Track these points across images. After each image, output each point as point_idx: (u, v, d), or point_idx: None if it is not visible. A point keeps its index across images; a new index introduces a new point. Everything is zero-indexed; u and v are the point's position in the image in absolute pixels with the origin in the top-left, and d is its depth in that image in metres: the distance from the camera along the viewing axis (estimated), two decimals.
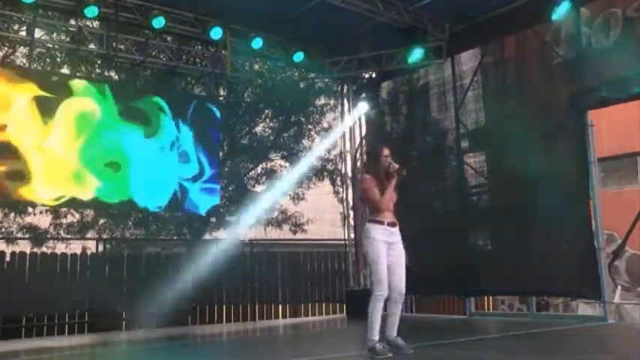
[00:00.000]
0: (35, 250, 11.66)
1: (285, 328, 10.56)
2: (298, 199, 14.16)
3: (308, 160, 13.23)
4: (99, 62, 11.44)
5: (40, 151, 8.99)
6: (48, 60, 11.70)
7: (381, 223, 5.42)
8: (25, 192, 8.92)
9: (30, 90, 9.00)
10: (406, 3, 9.00)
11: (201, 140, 10.49)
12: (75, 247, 11.80)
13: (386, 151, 5.57)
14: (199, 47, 10.76)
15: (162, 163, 10.05)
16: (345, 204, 11.96)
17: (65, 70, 11.71)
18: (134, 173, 9.73)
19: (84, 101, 9.45)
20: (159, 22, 9.07)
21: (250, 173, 14.16)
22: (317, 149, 13.59)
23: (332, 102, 13.93)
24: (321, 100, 14.26)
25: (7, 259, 9.67)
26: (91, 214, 13.18)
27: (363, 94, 11.24)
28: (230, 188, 13.58)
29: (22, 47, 10.99)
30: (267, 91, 12.87)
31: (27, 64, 10.15)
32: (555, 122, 8.26)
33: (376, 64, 10.46)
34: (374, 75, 11.25)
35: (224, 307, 11.29)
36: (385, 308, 5.37)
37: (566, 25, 8.13)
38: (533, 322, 8.78)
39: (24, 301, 9.25)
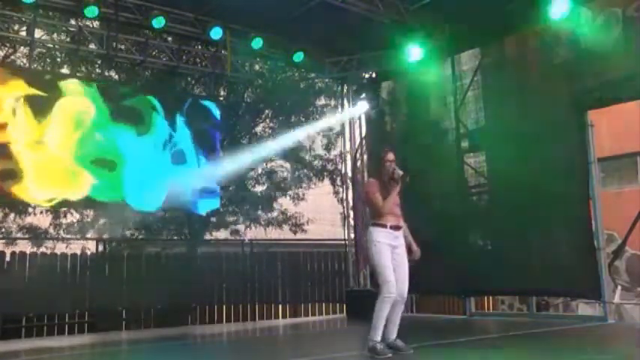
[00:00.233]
0: (35, 250, 11.67)
1: (285, 328, 10.56)
2: (298, 199, 14.16)
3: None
4: (99, 62, 11.44)
5: (33, 151, 8.88)
6: (48, 60, 11.70)
7: (384, 226, 5.44)
8: (18, 191, 8.80)
9: (22, 89, 8.91)
10: (406, 3, 9.00)
11: (199, 140, 10.43)
12: (75, 247, 11.81)
13: (390, 156, 5.58)
14: (199, 47, 10.76)
15: (156, 163, 9.95)
16: (345, 204, 11.97)
17: (65, 70, 11.71)
18: (127, 173, 9.61)
19: (77, 100, 9.36)
20: (159, 22, 9.08)
21: (250, 173, 14.15)
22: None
23: (332, 102, 13.93)
24: (322, 101, 14.26)
25: (7, 259, 9.68)
26: (91, 214, 13.19)
27: (363, 94, 11.26)
28: (230, 188, 13.58)
29: (22, 47, 11.00)
30: (267, 91, 12.87)
31: (27, 64, 10.15)
32: (555, 122, 8.25)
33: (376, 64, 10.45)
34: (374, 75, 11.25)
35: (224, 307, 11.29)
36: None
37: (566, 25, 8.12)
38: (533, 322, 8.78)
39: (24, 301, 9.24)
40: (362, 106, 11.14)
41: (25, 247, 11.71)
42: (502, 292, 10.45)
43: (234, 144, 13.51)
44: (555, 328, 7.79)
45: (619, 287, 12.61)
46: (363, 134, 11.34)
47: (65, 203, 9.73)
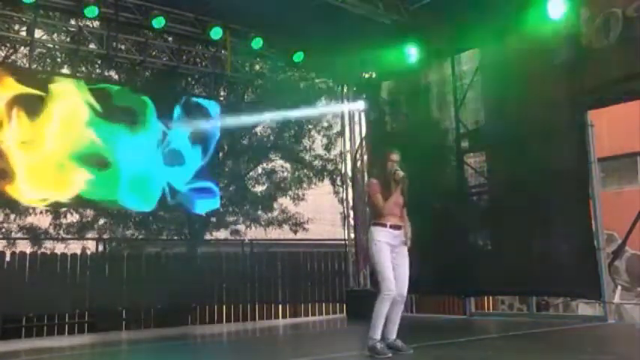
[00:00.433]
0: (35, 250, 11.68)
1: (285, 328, 10.56)
2: (298, 199, 14.17)
3: None
4: (99, 62, 11.44)
5: (26, 150, 8.82)
6: (48, 60, 11.71)
7: (384, 225, 5.46)
8: (11, 191, 8.75)
9: (15, 88, 8.86)
10: (406, 3, 9.00)
11: (196, 139, 10.39)
12: (75, 247, 11.81)
13: (394, 156, 5.60)
14: (199, 47, 10.76)
15: (151, 163, 9.89)
16: (345, 204, 11.97)
17: (65, 70, 11.71)
18: (121, 173, 9.55)
19: (70, 100, 9.29)
20: (159, 22, 9.08)
21: (250, 173, 14.16)
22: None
23: (332, 103, 13.94)
24: (322, 101, 14.26)
25: (7, 259, 9.68)
26: (91, 214, 13.19)
27: (363, 94, 11.26)
28: (230, 188, 13.58)
29: (22, 47, 11.00)
30: (267, 91, 12.88)
31: (27, 65, 10.14)
32: (555, 122, 8.25)
33: (376, 64, 10.44)
34: (374, 75, 11.25)
35: (224, 307, 11.29)
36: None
37: (566, 25, 8.12)
38: (533, 322, 8.77)
39: (24, 301, 9.24)
40: (361, 106, 11.15)
41: (25, 247, 11.72)
42: (502, 292, 10.45)
43: (234, 144, 13.54)
44: (555, 328, 7.79)
45: (619, 287, 12.62)
46: (363, 134, 11.34)
47: (59, 203, 9.64)
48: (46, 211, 12.30)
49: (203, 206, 10.58)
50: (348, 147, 11.78)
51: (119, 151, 9.56)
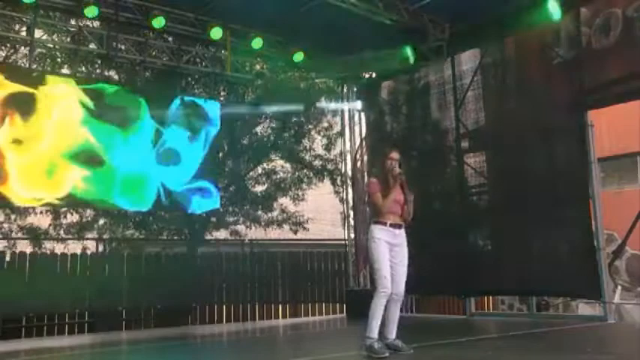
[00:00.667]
0: (35, 250, 11.68)
1: (285, 328, 10.56)
2: (299, 200, 14.16)
3: None
4: (99, 62, 11.44)
5: (19, 150, 8.75)
6: (48, 60, 11.70)
7: (384, 224, 5.46)
8: (5, 191, 8.65)
9: (7, 87, 8.79)
10: (406, 3, 8.99)
11: (194, 139, 10.38)
12: (75, 247, 11.81)
13: (394, 155, 5.59)
14: (199, 47, 10.76)
15: (146, 162, 9.82)
16: (345, 204, 11.97)
17: (65, 70, 11.70)
18: (116, 172, 9.49)
19: (63, 98, 9.23)
20: (159, 22, 9.08)
21: (250, 173, 14.15)
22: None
23: (333, 103, 13.92)
24: (322, 102, 14.25)
25: (7, 259, 9.69)
26: (91, 215, 13.18)
27: (363, 94, 11.26)
28: (230, 188, 13.57)
29: (22, 47, 10.99)
30: (267, 91, 12.86)
31: (27, 65, 10.14)
32: (555, 122, 8.25)
33: (376, 64, 10.44)
34: (374, 75, 11.25)
35: (224, 307, 11.30)
36: (385, 309, 5.37)
37: (566, 25, 8.12)
38: (533, 322, 8.78)
39: (24, 301, 9.23)
40: (361, 106, 11.15)
41: (25, 247, 11.72)
42: (502, 292, 10.46)
43: (234, 144, 13.52)
44: (555, 328, 7.79)
45: (619, 287, 12.62)
46: (363, 134, 11.34)
47: (53, 203, 9.58)
48: (46, 211, 12.29)
49: (201, 206, 10.52)
50: (348, 147, 11.78)
51: (114, 151, 9.50)
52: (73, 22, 10.73)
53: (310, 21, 9.05)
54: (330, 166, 14.22)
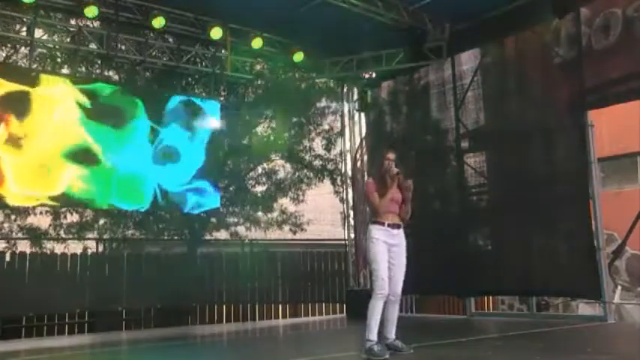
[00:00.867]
0: (35, 250, 11.66)
1: (285, 328, 10.56)
2: (298, 201, 14.14)
3: None
4: (99, 62, 11.43)
5: (15, 149, 8.73)
6: (48, 60, 11.69)
7: (382, 224, 5.44)
8: (1, 191, 8.63)
9: (2, 86, 8.77)
10: (406, 3, 9.00)
11: (194, 139, 10.35)
12: (75, 248, 11.80)
13: (390, 155, 5.59)
14: (199, 47, 10.76)
15: (143, 162, 9.80)
16: (345, 204, 11.97)
17: (65, 70, 11.70)
18: (112, 172, 9.46)
19: (58, 98, 9.21)
20: (159, 22, 9.08)
21: (250, 174, 14.14)
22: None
23: (333, 104, 13.92)
24: (322, 103, 14.24)
25: (7, 259, 9.68)
26: (91, 215, 13.16)
27: (363, 94, 11.25)
28: (230, 188, 13.56)
29: (22, 47, 10.99)
30: (267, 91, 12.86)
31: (28, 65, 10.13)
32: (555, 122, 8.26)
33: (376, 64, 10.45)
34: (374, 75, 11.24)
35: (224, 307, 11.30)
36: (383, 310, 5.37)
37: (566, 25, 8.12)
38: (533, 322, 8.77)
39: (24, 301, 9.23)
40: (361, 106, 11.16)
41: (25, 247, 11.70)
42: (502, 292, 10.45)
43: (234, 144, 13.51)
44: (555, 328, 7.78)
45: (619, 287, 12.62)
46: (363, 134, 11.34)
47: (48, 203, 9.57)
48: (46, 211, 12.27)
49: (199, 206, 10.50)
50: (348, 147, 11.78)
51: (110, 151, 9.47)
52: (73, 22, 10.72)
53: (310, 21, 9.05)
54: (330, 166, 14.21)
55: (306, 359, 5.86)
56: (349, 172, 11.80)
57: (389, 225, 5.44)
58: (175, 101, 10.39)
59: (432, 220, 9.59)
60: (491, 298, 11.70)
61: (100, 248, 11.40)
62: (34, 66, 10.53)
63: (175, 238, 13.74)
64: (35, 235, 12.33)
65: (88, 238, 12.62)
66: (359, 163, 11.22)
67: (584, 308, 11.72)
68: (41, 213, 12.37)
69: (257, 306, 11.51)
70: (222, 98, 12.42)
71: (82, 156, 9.23)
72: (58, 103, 9.21)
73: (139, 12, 9.13)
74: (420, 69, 10.10)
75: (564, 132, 8.17)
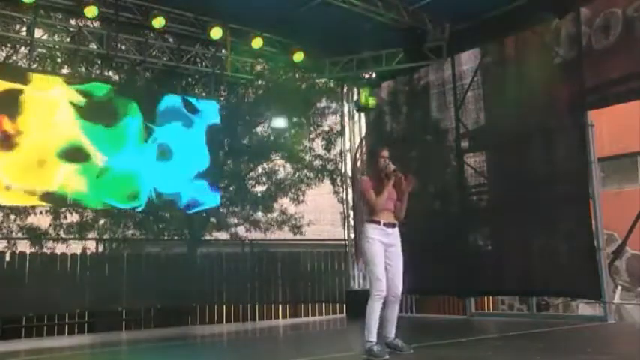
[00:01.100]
0: (35, 250, 11.67)
1: (285, 328, 10.56)
2: (298, 201, 14.14)
3: None
4: (99, 62, 11.44)
5: (7, 148, 8.69)
6: (48, 60, 11.69)
7: (378, 223, 5.42)
8: None
9: None
10: (406, 3, 9.00)
11: (193, 139, 10.33)
12: (75, 247, 11.79)
13: (384, 153, 5.57)
14: (199, 47, 10.76)
15: (141, 162, 9.76)
16: (345, 204, 11.96)
17: (65, 70, 11.70)
18: (107, 171, 9.43)
19: (52, 97, 9.17)
20: (159, 22, 9.08)
21: (250, 174, 14.14)
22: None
23: (333, 105, 13.92)
24: (323, 103, 14.24)
25: (7, 259, 9.68)
26: (91, 215, 13.16)
27: (363, 94, 11.25)
28: (230, 188, 13.56)
29: (22, 47, 10.99)
30: (267, 91, 12.86)
31: (28, 65, 10.13)
32: (555, 122, 8.26)
33: (376, 64, 10.46)
34: (374, 75, 11.24)
35: (224, 307, 11.29)
36: (382, 310, 5.36)
37: (566, 25, 8.13)
38: (533, 322, 8.77)
39: (24, 301, 9.24)
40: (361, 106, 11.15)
41: (25, 247, 11.70)
42: (502, 292, 10.46)
43: (234, 144, 13.51)
44: (555, 328, 7.78)
45: (619, 287, 12.62)
46: (363, 134, 11.34)
47: (43, 204, 9.54)
48: (46, 211, 12.27)
49: (198, 205, 10.48)
50: (348, 147, 11.77)
51: (106, 150, 9.44)
52: (73, 22, 10.72)
53: (310, 21, 9.05)
54: (330, 166, 14.21)
55: (306, 359, 5.86)
56: (349, 173, 11.79)
57: (385, 224, 5.42)
58: (170, 100, 10.35)
59: (432, 220, 9.59)
60: (491, 298, 11.71)
61: (100, 248, 11.40)
62: (34, 66, 10.53)
63: (175, 238, 13.74)
64: (35, 235, 12.34)
65: (88, 238, 12.62)
66: (359, 163, 11.21)
67: (584, 308, 11.72)
68: (41, 213, 12.38)
69: (257, 306, 11.51)
70: (222, 98, 12.44)
71: (76, 155, 9.19)
72: (51, 103, 9.16)
73: (139, 12, 9.14)
74: (420, 69, 10.10)
75: (564, 132, 8.17)
